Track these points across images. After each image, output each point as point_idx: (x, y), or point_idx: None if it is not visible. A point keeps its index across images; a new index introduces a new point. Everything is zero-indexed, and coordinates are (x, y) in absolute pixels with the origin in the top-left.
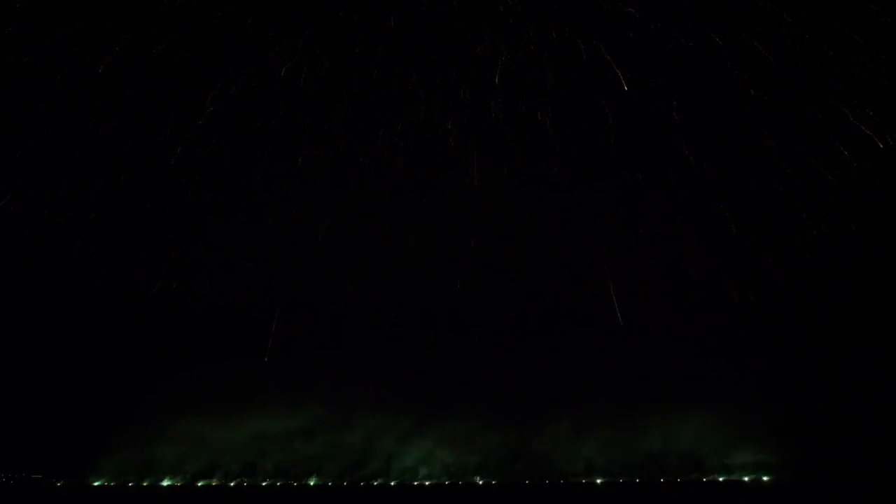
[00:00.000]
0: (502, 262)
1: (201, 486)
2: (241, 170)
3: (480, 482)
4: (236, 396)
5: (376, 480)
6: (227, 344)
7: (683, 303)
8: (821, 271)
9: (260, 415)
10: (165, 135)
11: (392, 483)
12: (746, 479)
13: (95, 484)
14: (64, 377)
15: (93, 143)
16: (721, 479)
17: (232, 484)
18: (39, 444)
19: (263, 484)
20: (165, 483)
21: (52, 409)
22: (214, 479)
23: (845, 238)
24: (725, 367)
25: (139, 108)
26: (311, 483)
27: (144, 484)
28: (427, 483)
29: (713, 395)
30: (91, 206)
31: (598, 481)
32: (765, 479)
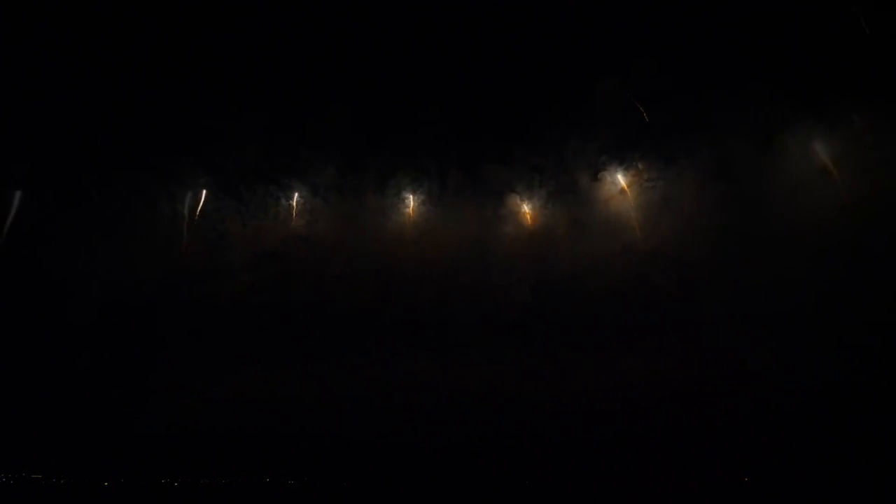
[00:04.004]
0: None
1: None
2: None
3: None
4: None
5: None
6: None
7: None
8: (820, 274)
9: None
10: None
11: None
12: (746, 479)
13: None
14: (66, 376)
15: (93, 144)
16: (721, 479)
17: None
18: (39, 443)
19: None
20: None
21: (52, 409)
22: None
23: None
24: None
25: (139, 110)
26: None
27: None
28: None
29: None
30: (94, 208)
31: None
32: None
